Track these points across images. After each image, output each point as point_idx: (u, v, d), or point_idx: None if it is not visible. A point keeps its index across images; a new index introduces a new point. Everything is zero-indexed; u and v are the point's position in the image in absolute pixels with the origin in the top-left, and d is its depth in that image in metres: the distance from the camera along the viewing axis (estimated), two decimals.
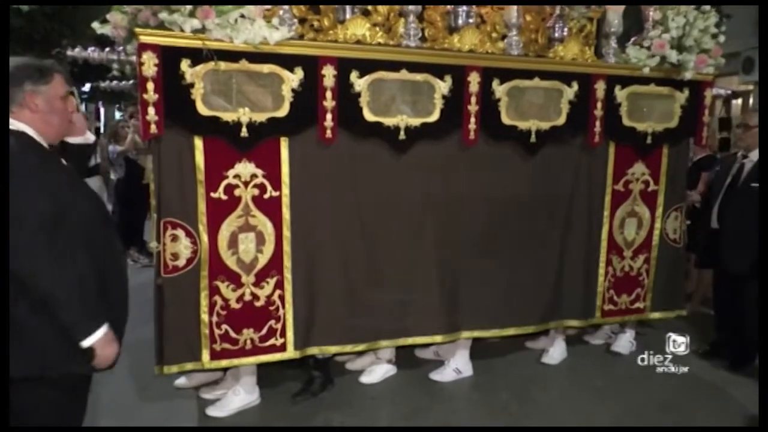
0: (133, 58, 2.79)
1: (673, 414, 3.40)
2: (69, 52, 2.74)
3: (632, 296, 4.01)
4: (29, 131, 1.92)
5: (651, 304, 4.06)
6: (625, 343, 4.19)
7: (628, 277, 3.99)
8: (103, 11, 2.90)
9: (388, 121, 3.19)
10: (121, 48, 3.00)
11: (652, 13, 3.71)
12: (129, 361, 3.89)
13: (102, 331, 1.90)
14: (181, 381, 3.54)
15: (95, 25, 2.82)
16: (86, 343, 1.86)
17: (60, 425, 1.99)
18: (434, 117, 3.28)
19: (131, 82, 4.28)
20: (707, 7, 3.66)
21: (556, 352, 4.04)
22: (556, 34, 3.67)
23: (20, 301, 1.81)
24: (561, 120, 3.56)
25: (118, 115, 13.62)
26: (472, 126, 3.35)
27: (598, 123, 3.63)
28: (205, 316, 2.98)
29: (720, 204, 4.04)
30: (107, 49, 2.81)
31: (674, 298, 4.13)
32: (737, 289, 3.95)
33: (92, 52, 2.75)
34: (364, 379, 3.65)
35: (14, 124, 1.89)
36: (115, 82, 4.20)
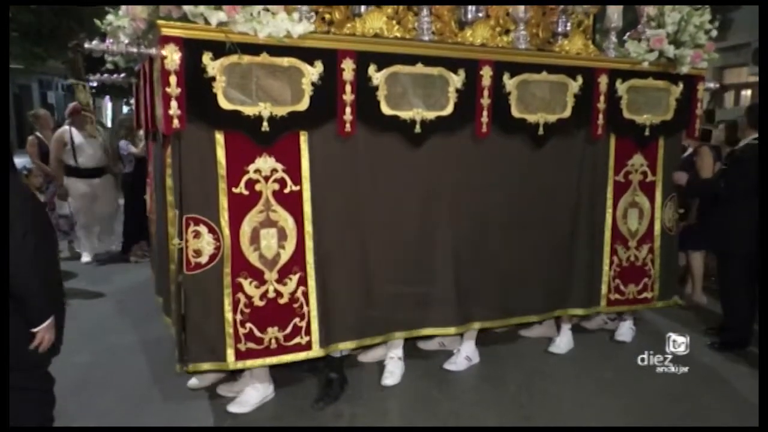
0: (152, 51, 2.71)
1: (683, 404, 3.46)
2: (86, 45, 2.64)
3: (639, 286, 4.12)
4: None
5: (658, 293, 4.17)
6: (626, 330, 4.31)
7: (634, 267, 4.10)
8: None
9: (405, 114, 3.21)
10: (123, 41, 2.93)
11: (649, 9, 3.82)
12: (143, 359, 3.91)
13: (50, 319, 2.21)
14: (193, 382, 3.48)
15: (110, 17, 2.73)
16: (37, 329, 2.17)
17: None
18: (448, 110, 3.31)
19: (122, 75, 4.17)
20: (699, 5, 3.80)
21: (562, 342, 4.13)
22: (560, 29, 3.73)
23: None
24: (566, 113, 3.65)
25: (125, 109, 13.20)
26: (484, 119, 3.40)
27: (601, 116, 3.73)
28: (229, 315, 2.94)
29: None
30: (126, 41, 2.73)
31: (672, 286, 4.28)
32: (721, 266, 4.18)
33: (111, 45, 2.66)
34: (387, 382, 3.61)
35: None
36: (105, 75, 4.05)
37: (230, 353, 2.97)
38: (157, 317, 4.00)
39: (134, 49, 2.68)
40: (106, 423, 3.10)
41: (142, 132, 5.87)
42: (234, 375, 3.50)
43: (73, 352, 3.86)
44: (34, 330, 2.16)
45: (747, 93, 11.35)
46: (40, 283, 2.13)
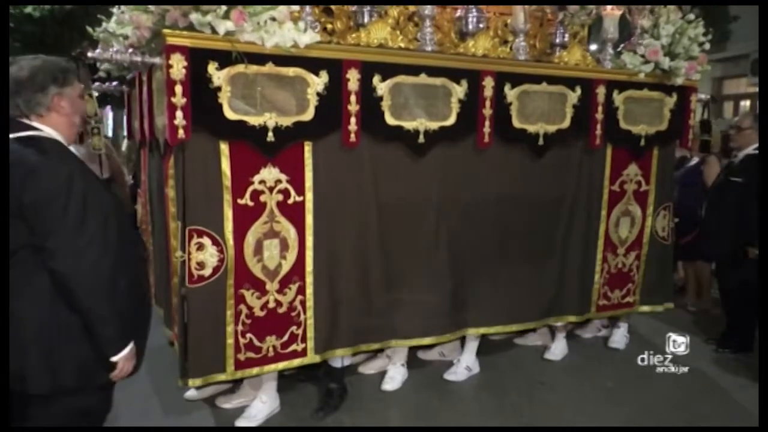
0: (156, 60, 2.67)
1: (684, 412, 3.46)
2: (90, 53, 2.58)
3: (623, 291, 4.18)
4: (58, 137, 1.91)
5: (639, 297, 4.24)
6: (620, 338, 4.37)
7: (620, 273, 4.15)
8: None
9: (408, 124, 3.21)
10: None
11: (643, 21, 3.88)
12: (143, 370, 3.73)
13: (128, 348, 1.97)
14: (191, 393, 3.43)
15: (112, 26, 2.68)
16: (114, 358, 1.93)
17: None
18: (451, 121, 3.32)
19: (114, 84, 4.09)
20: (692, 16, 3.86)
21: (557, 348, 4.17)
22: (557, 40, 3.77)
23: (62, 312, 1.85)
24: (565, 123, 3.67)
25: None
26: (486, 129, 3.41)
27: (598, 126, 3.77)
28: (230, 327, 2.90)
29: (708, 198, 4.41)
30: (130, 50, 2.68)
31: (663, 292, 4.33)
32: (719, 274, 4.23)
33: (115, 53, 2.61)
34: (387, 386, 3.62)
35: (45, 131, 1.87)
36: (97, 84, 3.97)
37: (230, 363, 2.94)
38: (156, 327, 3.94)
39: (138, 58, 2.63)
40: None
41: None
42: (233, 387, 3.46)
43: None
44: (113, 359, 1.93)
45: (746, 104, 11.48)
46: (114, 311, 1.88)
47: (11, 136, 1.83)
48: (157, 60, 2.66)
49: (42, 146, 1.84)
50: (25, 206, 1.75)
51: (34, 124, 1.88)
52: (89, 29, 3.50)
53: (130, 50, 2.70)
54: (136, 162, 5.96)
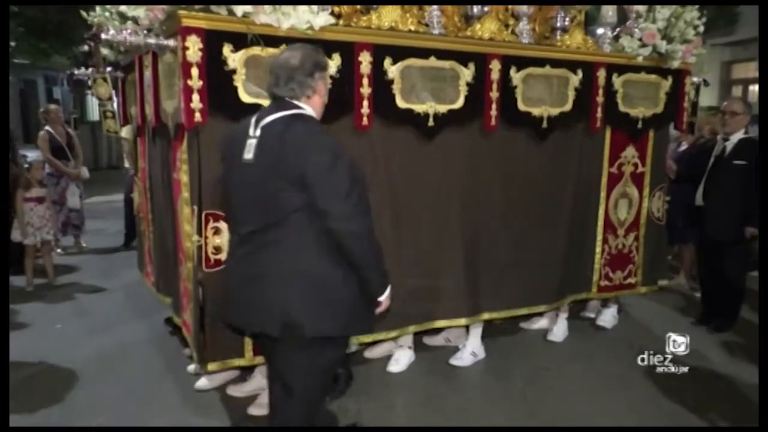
0: (170, 42, 2.62)
1: (688, 399, 3.45)
2: (104, 35, 2.52)
3: (625, 272, 4.28)
4: (314, 115, 2.15)
5: (642, 279, 4.34)
6: (609, 318, 4.49)
7: (621, 254, 4.25)
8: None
9: (419, 107, 3.22)
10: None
11: (638, 6, 3.95)
12: (150, 354, 3.84)
13: (390, 288, 2.22)
14: (202, 382, 3.40)
15: (123, 8, 2.62)
16: (381, 297, 2.19)
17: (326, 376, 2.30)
18: (459, 104, 3.34)
19: (108, 69, 4.01)
20: None
21: (559, 330, 4.24)
22: (558, 24, 3.81)
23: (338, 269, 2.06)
24: (568, 106, 3.72)
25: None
26: (493, 112, 3.44)
27: (599, 109, 3.83)
28: None
29: (705, 182, 4.42)
30: (145, 31, 2.62)
31: (659, 271, 4.45)
32: (721, 255, 4.34)
33: (129, 35, 2.55)
34: (393, 368, 3.65)
35: (307, 110, 2.11)
36: (91, 69, 3.89)
37: (248, 349, 2.93)
38: (163, 312, 3.92)
39: (153, 41, 2.58)
40: (112, 419, 3.05)
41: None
42: (243, 374, 3.44)
43: (78, 347, 3.95)
44: (379, 299, 2.19)
45: (755, 88, 11.05)
46: (378, 260, 2.14)
47: (281, 114, 2.06)
48: (171, 42, 2.61)
49: (310, 123, 2.09)
50: (304, 176, 1.95)
51: (300, 104, 2.10)
52: (82, 12, 3.43)
53: (144, 32, 2.65)
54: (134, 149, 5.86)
